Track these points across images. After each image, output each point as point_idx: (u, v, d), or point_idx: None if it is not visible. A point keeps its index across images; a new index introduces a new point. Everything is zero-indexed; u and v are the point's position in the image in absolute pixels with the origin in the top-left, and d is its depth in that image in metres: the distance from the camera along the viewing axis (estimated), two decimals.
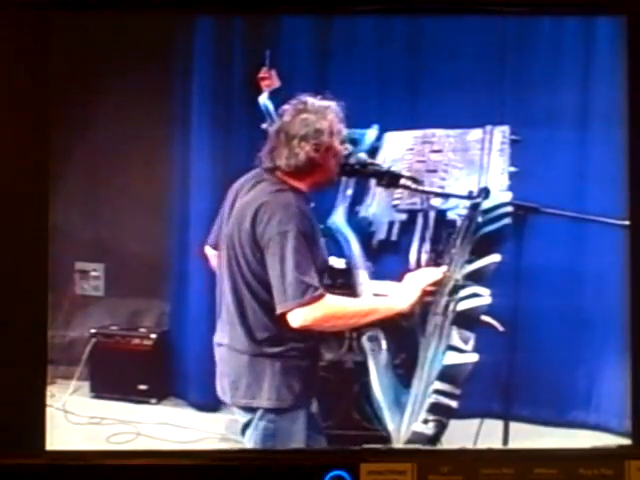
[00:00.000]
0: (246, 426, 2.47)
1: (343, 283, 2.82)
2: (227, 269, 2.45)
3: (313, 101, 2.47)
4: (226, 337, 2.47)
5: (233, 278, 2.44)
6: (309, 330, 2.39)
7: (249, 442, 2.47)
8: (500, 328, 2.58)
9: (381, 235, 2.94)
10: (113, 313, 3.14)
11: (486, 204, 2.69)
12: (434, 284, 2.55)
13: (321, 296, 2.35)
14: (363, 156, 2.87)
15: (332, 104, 2.48)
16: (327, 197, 2.92)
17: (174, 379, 3.19)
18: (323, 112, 2.46)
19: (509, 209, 2.71)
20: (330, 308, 2.38)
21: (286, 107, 2.50)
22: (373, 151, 2.95)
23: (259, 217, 2.38)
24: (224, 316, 2.48)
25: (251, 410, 2.44)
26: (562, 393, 3.05)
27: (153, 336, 3.16)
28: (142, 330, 3.17)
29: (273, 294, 2.37)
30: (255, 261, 2.39)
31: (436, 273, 2.57)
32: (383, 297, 2.55)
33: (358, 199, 2.97)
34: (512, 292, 2.77)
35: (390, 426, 2.58)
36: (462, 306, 2.53)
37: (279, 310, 2.35)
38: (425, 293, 2.53)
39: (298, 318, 2.34)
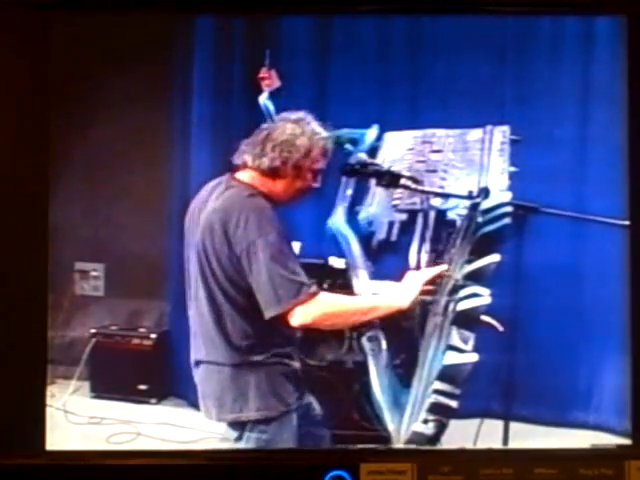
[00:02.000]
0: (237, 439, 2.43)
1: (343, 283, 2.82)
2: (201, 281, 2.40)
3: (310, 121, 2.47)
4: (203, 352, 2.43)
5: (208, 288, 2.39)
6: (308, 329, 2.38)
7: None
8: (500, 328, 2.58)
9: (381, 235, 2.94)
10: (113, 313, 3.14)
11: (486, 204, 2.69)
12: (434, 281, 2.55)
13: (316, 293, 2.33)
14: (363, 156, 2.88)
15: (327, 135, 2.48)
16: (327, 197, 2.93)
17: (174, 379, 3.18)
18: (312, 135, 2.45)
19: (509, 209, 2.72)
20: (329, 306, 2.36)
21: (287, 114, 2.51)
22: (373, 151, 2.95)
23: (233, 223, 2.34)
24: (199, 331, 2.43)
25: (240, 425, 2.41)
26: (562, 393, 3.05)
27: (153, 336, 3.15)
28: (142, 330, 3.16)
29: (258, 299, 2.32)
30: (232, 268, 2.35)
31: (437, 271, 2.57)
32: (383, 295, 2.54)
33: (358, 199, 2.97)
34: (512, 292, 2.77)
35: (390, 426, 2.58)
36: (462, 306, 2.53)
37: (272, 313, 2.31)
38: (425, 291, 2.53)
39: (298, 317, 2.31)
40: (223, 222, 2.35)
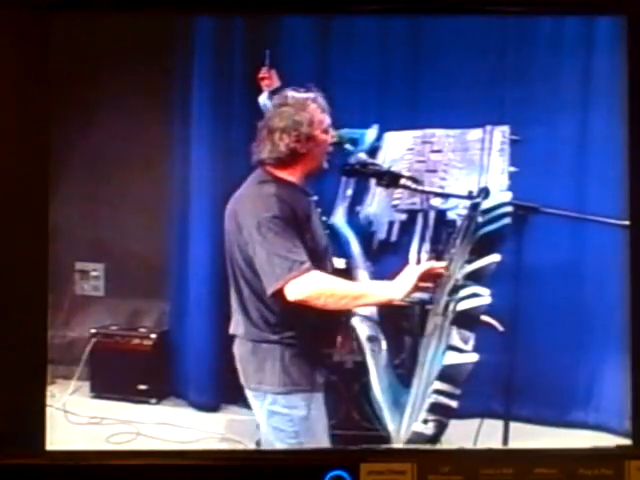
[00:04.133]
0: (260, 409, 2.51)
1: None
2: (229, 262, 2.54)
3: (293, 94, 2.55)
4: (234, 326, 2.56)
5: (233, 269, 2.53)
6: (304, 305, 2.41)
7: (265, 427, 2.50)
8: (500, 328, 2.57)
9: (381, 235, 2.94)
10: (113, 313, 3.14)
11: (486, 204, 2.69)
12: (431, 277, 2.55)
13: (308, 269, 2.41)
14: (363, 156, 2.88)
15: (312, 95, 2.55)
16: (327, 197, 2.93)
17: (174, 379, 3.19)
18: (302, 104, 2.53)
19: (509, 209, 2.71)
20: (321, 284, 2.42)
21: (271, 104, 2.62)
22: (373, 151, 2.95)
23: (241, 210, 2.48)
24: (233, 308, 2.57)
25: (262, 395, 2.49)
26: (562, 393, 3.05)
27: (153, 336, 3.16)
28: (142, 330, 3.17)
29: (261, 279, 2.44)
30: (245, 251, 2.47)
31: (432, 265, 2.58)
32: (377, 284, 2.56)
33: (358, 199, 2.98)
34: (512, 292, 2.77)
35: (390, 426, 2.58)
36: (462, 306, 2.53)
37: (270, 291, 2.42)
38: (421, 287, 2.54)
39: (293, 291, 2.40)
40: (236, 209, 2.50)
